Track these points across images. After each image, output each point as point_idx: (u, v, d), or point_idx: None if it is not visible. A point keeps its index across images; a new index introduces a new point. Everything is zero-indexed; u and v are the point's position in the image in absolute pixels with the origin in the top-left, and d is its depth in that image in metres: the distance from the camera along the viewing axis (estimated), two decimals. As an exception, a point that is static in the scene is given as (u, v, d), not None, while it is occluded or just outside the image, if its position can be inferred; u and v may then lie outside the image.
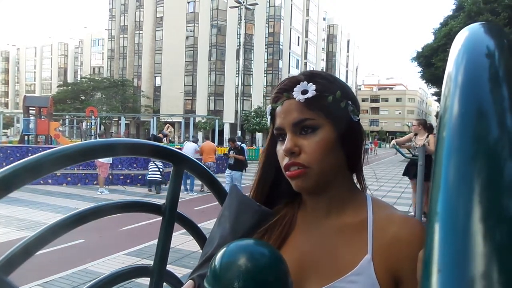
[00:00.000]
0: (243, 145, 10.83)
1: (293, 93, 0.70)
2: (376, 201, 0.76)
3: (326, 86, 0.71)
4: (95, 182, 11.69)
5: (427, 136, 6.21)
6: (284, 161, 0.71)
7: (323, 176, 0.70)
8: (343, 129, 0.70)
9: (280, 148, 0.72)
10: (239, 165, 9.44)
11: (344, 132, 0.71)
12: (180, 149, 9.52)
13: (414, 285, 0.66)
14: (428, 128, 6.37)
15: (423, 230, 0.69)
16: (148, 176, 10.70)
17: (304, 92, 0.69)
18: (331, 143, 0.69)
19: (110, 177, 10.69)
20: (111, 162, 10.71)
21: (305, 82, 0.70)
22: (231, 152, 9.56)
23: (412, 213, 6.44)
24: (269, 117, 0.77)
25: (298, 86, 0.70)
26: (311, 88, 0.69)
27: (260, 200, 0.79)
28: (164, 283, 1.03)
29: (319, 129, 0.69)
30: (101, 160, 10.06)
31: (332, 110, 0.70)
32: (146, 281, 0.97)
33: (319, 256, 0.72)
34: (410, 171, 6.74)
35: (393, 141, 7.05)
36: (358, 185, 0.78)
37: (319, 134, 0.69)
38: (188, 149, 10.63)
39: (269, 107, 0.76)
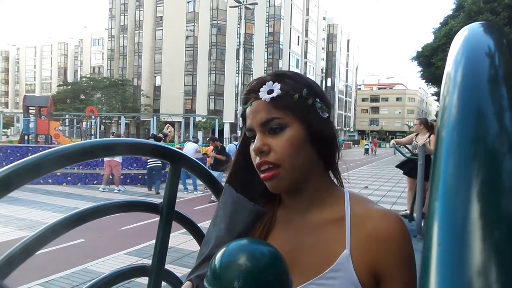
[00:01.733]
0: (234, 143, 10.82)
1: (260, 93, 0.72)
2: (354, 196, 0.76)
3: (292, 85, 0.72)
4: (95, 182, 11.70)
5: (429, 136, 6.17)
6: (256, 160, 0.73)
7: (295, 174, 0.71)
8: (312, 126, 0.71)
9: (252, 148, 0.74)
10: (219, 165, 9.21)
11: (314, 129, 0.71)
12: (180, 148, 9.51)
13: (394, 282, 0.67)
14: (429, 127, 6.33)
15: (401, 225, 0.69)
16: (148, 164, 10.62)
17: (270, 91, 0.71)
18: (300, 141, 0.70)
19: (110, 176, 10.70)
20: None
21: (271, 82, 0.72)
22: (213, 151, 9.50)
23: (407, 211, 6.43)
24: (240, 119, 0.79)
25: (264, 86, 0.72)
26: (276, 88, 0.71)
27: None
28: (164, 283, 1.03)
29: (287, 128, 0.70)
30: (117, 159, 10.28)
31: (299, 108, 0.71)
32: (146, 280, 0.97)
33: (299, 253, 0.73)
34: (404, 167, 6.69)
35: (393, 141, 7.03)
36: (336, 181, 0.79)
37: (287, 132, 0.70)
38: (189, 149, 10.63)
39: (240, 109, 0.78)
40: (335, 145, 0.75)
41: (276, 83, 0.71)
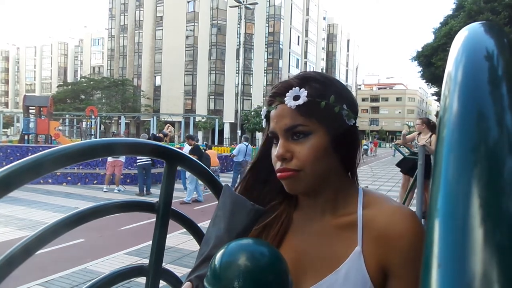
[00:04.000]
0: (245, 143, 10.77)
1: (285, 98, 0.70)
2: (367, 193, 0.76)
3: (319, 91, 0.70)
4: (95, 182, 11.71)
5: (430, 136, 6.16)
6: (276, 165, 0.72)
7: (314, 179, 0.70)
8: (337, 134, 0.70)
9: (274, 151, 0.73)
10: None
11: (338, 137, 0.70)
12: (180, 148, 9.48)
13: (403, 278, 0.67)
14: (431, 127, 6.32)
15: (414, 221, 0.69)
16: (138, 162, 10.43)
17: (296, 98, 0.69)
18: (324, 149, 0.70)
19: (111, 176, 10.70)
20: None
21: (297, 88, 0.70)
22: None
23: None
24: (264, 120, 0.78)
25: (290, 91, 0.70)
26: (303, 94, 0.69)
27: (248, 197, 0.79)
28: (164, 283, 1.03)
29: (311, 135, 0.69)
30: (121, 159, 10.30)
31: (325, 116, 0.69)
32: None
33: (313, 254, 0.73)
34: (402, 165, 6.75)
35: (397, 141, 7.03)
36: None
37: (311, 139, 0.69)
38: (188, 149, 10.59)
39: (264, 110, 0.77)
40: (357, 151, 0.75)
41: (303, 89, 0.69)
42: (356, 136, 0.75)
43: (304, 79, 0.72)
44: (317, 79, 0.72)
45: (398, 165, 6.97)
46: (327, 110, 0.69)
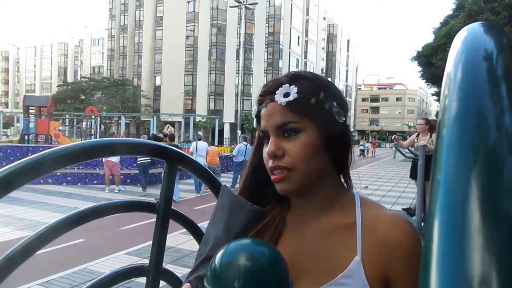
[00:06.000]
0: (244, 143, 10.76)
1: (275, 96, 0.70)
2: (364, 200, 0.75)
3: (309, 88, 0.70)
4: (95, 182, 11.71)
5: (431, 136, 6.16)
6: (268, 163, 0.71)
7: (307, 178, 0.70)
8: (327, 131, 0.70)
9: (266, 150, 0.72)
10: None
11: (329, 134, 0.70)
12: (180, 148, 9.43)
13: (405, 285, 0.66)
14: (433, 128, 6.31)
15: (412, 229, 0.69)
16: (138, 160, 10.63)
17: (286, 95, 0.69)
18: (315, 146, 0.69)
19: (111, 176, 10.70)
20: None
21: (287, 85, 0.70)
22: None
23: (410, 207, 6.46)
24: (255, 120, 0.78)
25: (280, 88, 0.70)
26: (293, 91, 0.69)
27: (249, 199, 0.79)
28: (164, 283, 1.03)
29: (302, 132, 0.69)
30: (113, 159, 10.25)
31: (315, 113, 0.69)
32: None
33: (308, 258, 0.72)
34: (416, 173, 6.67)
35: (395, 136, 7.00)
36: (345, 185, 0.77)
37: (302, 136, 0.69)
38: (202, 149, 10.41)
39: (254, 109, 0.77)
40: (349, 150, 0.74)
41: (293, 86, 0.70)
42: (347, 133, 0.74)
43: (294, 77, 0.72)
44: (307, 77, 0.73)
45: (413, 176, 6.87)
46: (318, 107, 0.69)
